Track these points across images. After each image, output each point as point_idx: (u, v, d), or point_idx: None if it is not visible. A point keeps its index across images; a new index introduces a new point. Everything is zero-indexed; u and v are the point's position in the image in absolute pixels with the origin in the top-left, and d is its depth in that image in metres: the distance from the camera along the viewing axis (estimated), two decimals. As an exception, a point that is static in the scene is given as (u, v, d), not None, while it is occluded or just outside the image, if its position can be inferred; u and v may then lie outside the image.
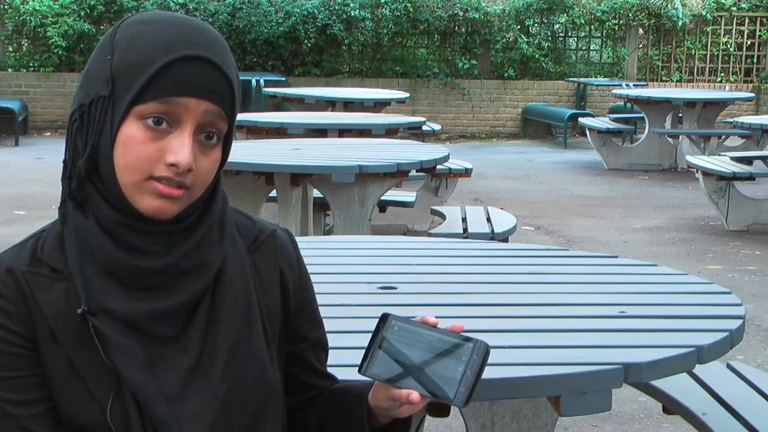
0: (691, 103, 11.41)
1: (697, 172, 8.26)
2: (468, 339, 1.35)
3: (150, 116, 1.34)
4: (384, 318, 1.40)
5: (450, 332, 1.37)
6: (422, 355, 1.36)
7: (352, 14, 14.44)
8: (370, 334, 1.41)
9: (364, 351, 1.40)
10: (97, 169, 1.38)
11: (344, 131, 6.88)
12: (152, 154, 1.35)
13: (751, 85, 15.89)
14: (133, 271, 1.38)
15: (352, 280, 2.79)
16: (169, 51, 1.34)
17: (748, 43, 16.19)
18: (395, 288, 2.65)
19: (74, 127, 1.39)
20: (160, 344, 1.38)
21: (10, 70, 14.33)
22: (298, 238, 1.61)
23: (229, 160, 1.47)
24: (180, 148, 1.35)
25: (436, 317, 1.41)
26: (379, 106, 9.25)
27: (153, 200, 1.36)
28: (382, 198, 5.61)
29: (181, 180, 1.36)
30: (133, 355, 1.36)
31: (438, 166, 5.73)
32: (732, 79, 16.11)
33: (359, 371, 1.40)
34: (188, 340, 1.40)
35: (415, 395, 1.35)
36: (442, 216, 6.40)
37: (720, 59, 16.15)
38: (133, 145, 1.35)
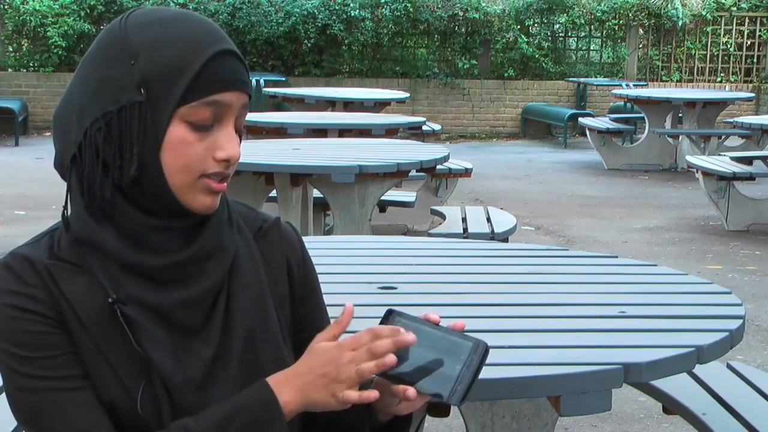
0: (691, 103, 11.40)
1: (697, 172, 8.26)
2: (468, 338, 1.36)
3: (198, 118, 1.35)
4: (388, 314, 1.42)
5: (451, 330, 1.38)
6: (422, 352, 1.37)
7: (352, 14, 14.45)
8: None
9: None
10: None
11: (344, 131, 6.88)
12: (201, 153, 1.37)
13: (751, 85, 15.89)
14: (160, 268, 1.38)
15: (352, 280, 2.79)
16: (202, 49, 1.35)
17: (748, 43, 16.20)
18: (395, 288, 2.65)
19: (99, 137, 1.36)
20: (184, 334, 1.40)
21: (10, 70, 14.34)
22: (298, 238, 1.61)
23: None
24: (228, 143, 1.38)
25: (437, 316, 1.41)
26: (379, 106, 9.25)
27: (205, 197, 1.39)
28: (382, 198, 5.61)
29: (228, 173, 1.39)
30: (162, 343, 1.37)
31: (438, 166, 5.73)
32: (732, 79, 16.11)
33: None
34: (210, 330, 1.42)
35: (411, 391, 1.35)
36: (442, 216, 6.39)
37: (720, 59, 16.15)
38: (184, 147, 1.36)
